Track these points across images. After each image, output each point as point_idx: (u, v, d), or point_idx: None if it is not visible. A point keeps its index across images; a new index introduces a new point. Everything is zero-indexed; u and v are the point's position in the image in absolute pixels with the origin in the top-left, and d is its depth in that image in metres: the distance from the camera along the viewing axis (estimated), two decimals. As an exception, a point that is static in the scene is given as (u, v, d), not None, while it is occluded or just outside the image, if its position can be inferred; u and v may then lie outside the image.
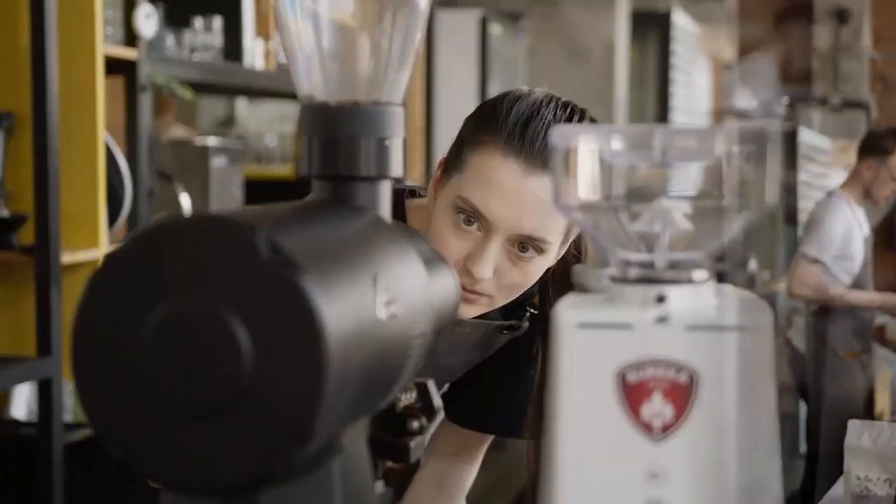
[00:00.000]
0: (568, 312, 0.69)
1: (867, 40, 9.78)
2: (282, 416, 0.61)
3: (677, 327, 0.68)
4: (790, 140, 7.06)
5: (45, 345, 2.42)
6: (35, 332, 2.42)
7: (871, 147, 4.27)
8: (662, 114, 7.67)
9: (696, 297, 0.70)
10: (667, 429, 0.68)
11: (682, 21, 7.72)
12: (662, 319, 0.68)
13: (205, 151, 3.06)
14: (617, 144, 0.71)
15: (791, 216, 7.03)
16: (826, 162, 8.12)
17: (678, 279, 0.70)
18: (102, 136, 2.55)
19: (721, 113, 6.08)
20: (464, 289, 1.24)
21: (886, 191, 4.27)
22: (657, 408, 0.68)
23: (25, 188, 2.50)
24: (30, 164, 2.46)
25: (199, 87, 3.18)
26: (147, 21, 2.68)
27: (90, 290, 0.62)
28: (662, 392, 0.68)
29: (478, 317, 1.31)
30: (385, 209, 0.83)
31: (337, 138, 0.81)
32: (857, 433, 1.85)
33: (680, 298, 0.69)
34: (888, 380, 4.91)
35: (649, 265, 0.71)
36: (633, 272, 0.71)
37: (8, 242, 2.43)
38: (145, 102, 2.71)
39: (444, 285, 0.85)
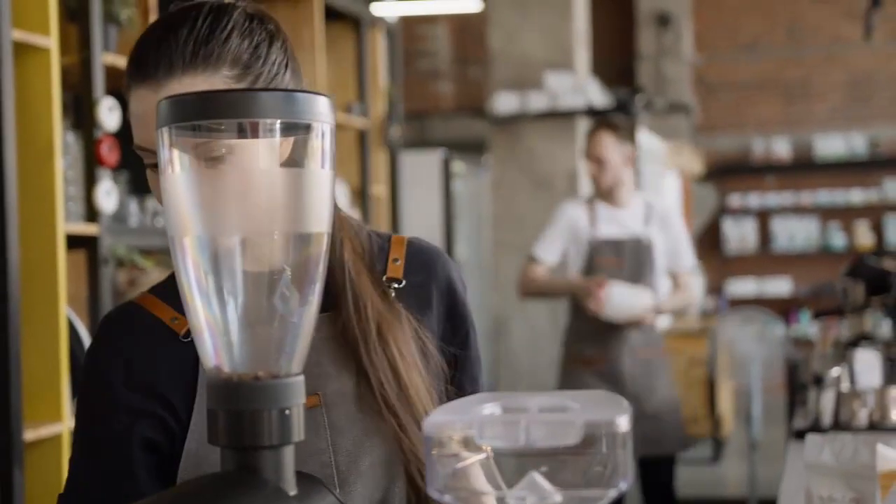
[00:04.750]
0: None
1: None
2: None
3: None
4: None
5: (8, 523, 2.44)
6: (-2, 511, 2.44)
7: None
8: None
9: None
10: None
11: (647, 141, 7.89)
12: None
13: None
14: (486, 431, 0.77)
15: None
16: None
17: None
18: (64, 311, 2.61)
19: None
20: None
21: (591, 174, 4.07)
22: None
23: (-12, 366, 2.54)
24: (-8, 342, 2.51)
25: (165, 249, 3.26)
26: (107, 197, 2.76)
27: None
28: None
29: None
30: (288, 471, 0.88)
31: (241, 412, 0.87)
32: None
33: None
34: None
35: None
36: (507, 547, 0.76)
37: (-30, 421, 2.47)
38: (107, 275, 2.78)
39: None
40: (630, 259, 4.02)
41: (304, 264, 0.90)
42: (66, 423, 2.64)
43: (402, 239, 1.37)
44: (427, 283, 1.35)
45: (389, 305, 1.29)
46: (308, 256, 0.90)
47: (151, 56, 1.18)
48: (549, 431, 0.78)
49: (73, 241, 2.74)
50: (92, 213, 2.77)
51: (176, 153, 0.88)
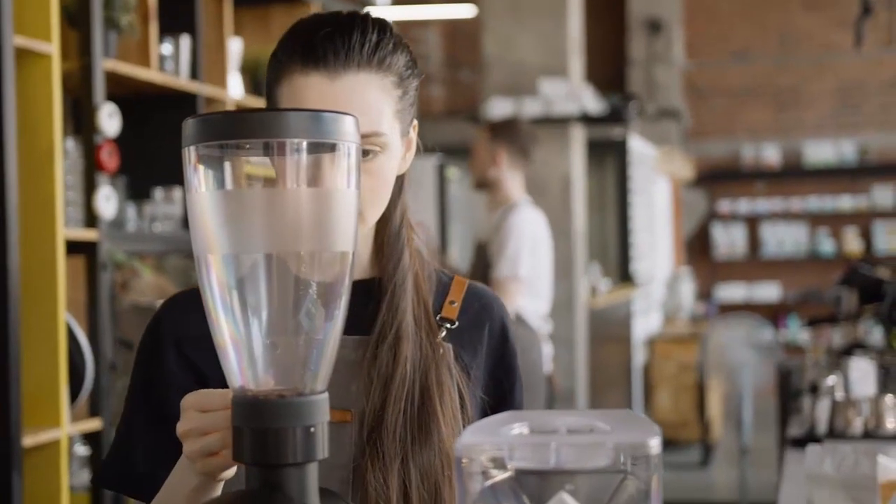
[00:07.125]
0: None
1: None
2: None
3: None
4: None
5: (7, 529, 2.43)
6: (-3, 518, 2.43)
7: None
8: (623, 235, 7.80)
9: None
10: None
11: (638, 146, 7.91)
12: None
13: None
14: (515, 453, 0.78)
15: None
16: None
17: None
18: (63, 316, 2.60)
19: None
20: None
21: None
22: None
23: (-13, 372, 2.53)
24: (-9, 348, 2.51)
25: (162, 253, 3.26)
26: (107, 203, 2.75)
27: None
28: None
29: None
30: (312, 489, 0.89)
31: (265, 429, 0.87)
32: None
33: None
34: None
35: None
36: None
37: (-31, 427, 2.46)
38: (105, 280, 2.77)
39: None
40: (474, 261, 4.19)
41: (330, 282, 0.90)
42: (64, 429, 2.63)
43: (463, 282, 1.37)
44: (480, 328, 1.34)
45: (432, 344, 1.28)
46: (333, 274, 0.90)
47: (328, 46, 1.19)
48: (579, 453, 0.78)
49: (72, 247, 2.74)
50: (91, 219, 2.77)
51: (202, 171, 0.89)
